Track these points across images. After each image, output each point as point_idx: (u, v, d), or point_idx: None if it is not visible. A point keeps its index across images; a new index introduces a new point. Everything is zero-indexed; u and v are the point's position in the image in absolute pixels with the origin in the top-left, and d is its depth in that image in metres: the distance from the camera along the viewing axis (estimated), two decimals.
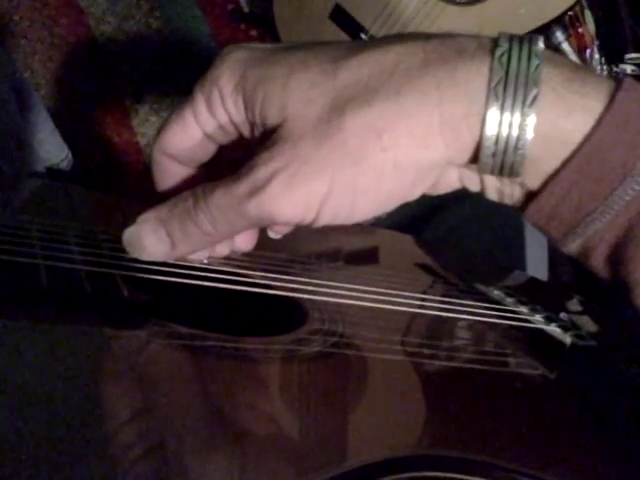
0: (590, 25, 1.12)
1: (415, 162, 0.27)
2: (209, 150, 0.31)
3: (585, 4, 1.10)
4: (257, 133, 0.29)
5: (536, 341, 0.37)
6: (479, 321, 0.38)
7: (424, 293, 0.43)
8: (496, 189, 0.30)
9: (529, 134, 0.25)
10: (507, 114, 0.25)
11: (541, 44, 0.26)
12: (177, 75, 1.19)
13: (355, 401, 0.26)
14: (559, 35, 1.10)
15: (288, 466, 0.21)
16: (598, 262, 0.28)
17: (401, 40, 0.27)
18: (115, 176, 1.15)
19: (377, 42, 0.28)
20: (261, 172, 0.27)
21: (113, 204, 0.47)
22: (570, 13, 1.05)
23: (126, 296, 0.27)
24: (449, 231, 0.64)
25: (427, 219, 0.64)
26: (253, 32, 1.26)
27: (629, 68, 1.10)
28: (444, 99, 0.26)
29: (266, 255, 0.38)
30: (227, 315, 0.33)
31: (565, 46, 1.10)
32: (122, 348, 0.25)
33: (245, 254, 0.35)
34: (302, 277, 0.36)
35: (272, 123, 0.27)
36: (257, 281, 0.34)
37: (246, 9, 1.27)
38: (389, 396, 0.28)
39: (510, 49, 0.26)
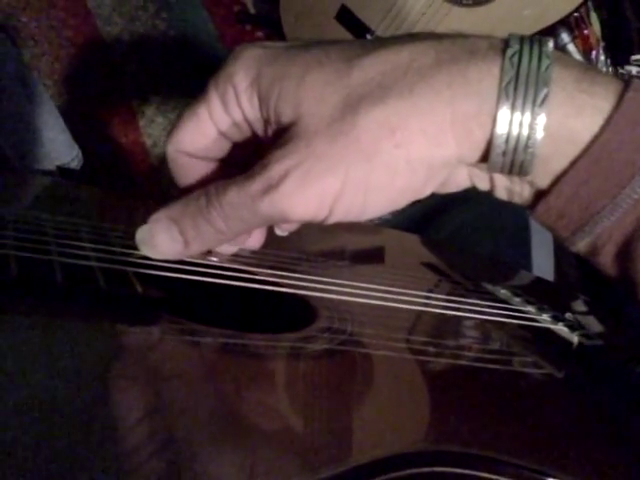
0: (596, 27, 1.12)
1: (427, 159, 0.27)
2: (223, 147, 0.31)
3: (591, 6, 1.10)
4: (270, 131, 0.29)
5: (543, 340, 0.37)
6: (486, 320, 0.38)
7: (430, 292, 0.43)
8: (505, 188, 0.30)
9: (539, 133, 0.26)
10: (518, 113, 0.26)
11: (551, 45, 0.27)
12: (183, 76, 1.20)
13: (362, 398, 0.26)
14: (565, 37, 1.10)
15: (297, 462, 0.21)
16: (606, 260, 0.28)
17: (414, 39, 0.28)
18: (121, 176, 1.15)
19: (390, 41, 0.28)
20: (275, 170, 0.27)
21: (126, 203, 0.48)
22: (576, 15, 1.05)
23: (140, 292, 0.27)
24: (454, 231, 0.64)
25: (432, 219, 0.64)
26: (259, 33, 1.26)
27: (635, 69, 1.10)
28: (456, 98, 0.26)
29: (273, 253, 0.38)
30: (235, 313, 0.33)
31: (571, 47, 1.10)
32: (136, 344, 0.26)
33: (252, 252, 0.35)
34: (309, 275, 0.36)
35: (286, 121, 0.28)
36: (266, 279, 0.34)
37: (252, 10, 1.27)
38: (395, 393, 0.28)
39: (521, 49, 0.26)
